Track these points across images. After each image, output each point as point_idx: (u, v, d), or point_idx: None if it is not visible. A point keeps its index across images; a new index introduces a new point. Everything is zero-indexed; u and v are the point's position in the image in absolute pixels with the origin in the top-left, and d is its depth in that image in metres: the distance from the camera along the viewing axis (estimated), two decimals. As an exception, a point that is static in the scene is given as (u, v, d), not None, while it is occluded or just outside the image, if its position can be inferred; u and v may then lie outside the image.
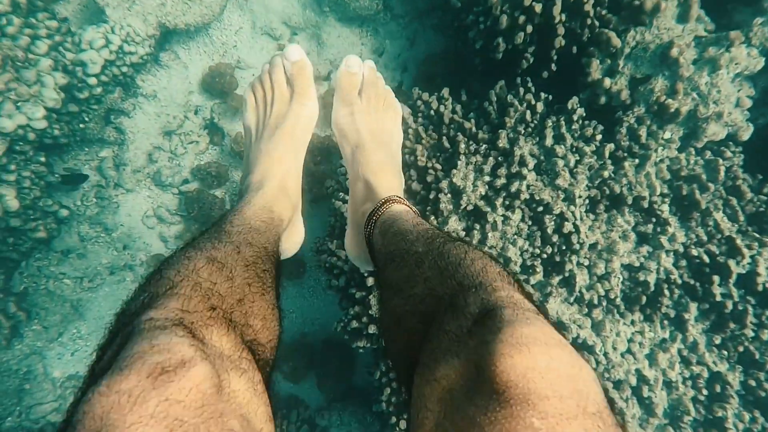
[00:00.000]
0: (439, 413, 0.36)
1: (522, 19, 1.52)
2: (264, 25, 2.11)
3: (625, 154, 1.52)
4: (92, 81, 1.91)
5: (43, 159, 1.99)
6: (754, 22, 1.50)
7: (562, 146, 1.44)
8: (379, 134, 0.83)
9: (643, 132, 1.51)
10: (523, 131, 1.45)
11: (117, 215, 2.15)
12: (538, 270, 1.40)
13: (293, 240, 0.80)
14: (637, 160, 1.51)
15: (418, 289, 0.50)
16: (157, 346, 0.33)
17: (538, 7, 1.51)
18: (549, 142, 1.43)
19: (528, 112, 1.46)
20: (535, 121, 1.49)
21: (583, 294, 1.45)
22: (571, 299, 1.47)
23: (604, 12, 1.60)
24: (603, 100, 1.57)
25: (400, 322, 0.51)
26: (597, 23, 1.59)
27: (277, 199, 0.70)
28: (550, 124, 1.45)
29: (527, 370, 0.31)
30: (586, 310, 1.48)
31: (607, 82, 1.56)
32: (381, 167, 0.77)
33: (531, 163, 1.41)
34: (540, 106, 1.49)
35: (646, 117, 1.55)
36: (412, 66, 2.14)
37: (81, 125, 2.02)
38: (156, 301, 0.41)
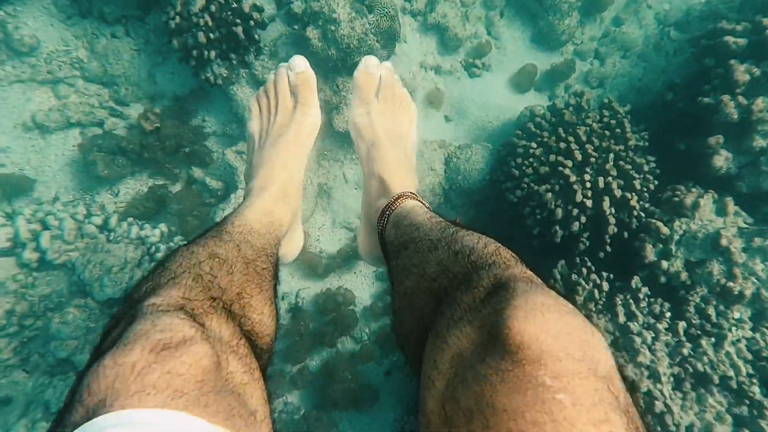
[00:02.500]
0: (449, 374, 0.35)
1: (576, 211, 1.76)
2: (342, 220, 2.46)
3: (699, 332, 1.55)
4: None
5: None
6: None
7: (635, 323, 1.50)
8: (394, 134, 0.84)
9: (711, 311, 1.57)
10: (593, 308, 1.54)
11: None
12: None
13: (292, 245, 0.80)
14: (713, 339, 1.53)
15: (431, 269, 0.50)
16: (160, 326, 0.35)
17: (589, 203, 1.75)
18: (622, 319, 1.50)
19: (596, 290, 1.57)
20: (603, 299, 1.58)
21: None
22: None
23: (647, 205, 1.83)
24: (663, 279, 1.68)
25: (413, 300, 0.50)
26: (643, 215, 1.80)
27: (278, 204, 0.71)
28: (620, 302, 1.54)
29: (541, 333, 0.31)
30: None
31: (665, 264, 1.69)
32: (395, 165, 0.78)
33: (607, 339, 1.46)
34: (605, 285, 1.60)
35: (711, 298, 1.63)
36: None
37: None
38: (159, 289, 0.42)
